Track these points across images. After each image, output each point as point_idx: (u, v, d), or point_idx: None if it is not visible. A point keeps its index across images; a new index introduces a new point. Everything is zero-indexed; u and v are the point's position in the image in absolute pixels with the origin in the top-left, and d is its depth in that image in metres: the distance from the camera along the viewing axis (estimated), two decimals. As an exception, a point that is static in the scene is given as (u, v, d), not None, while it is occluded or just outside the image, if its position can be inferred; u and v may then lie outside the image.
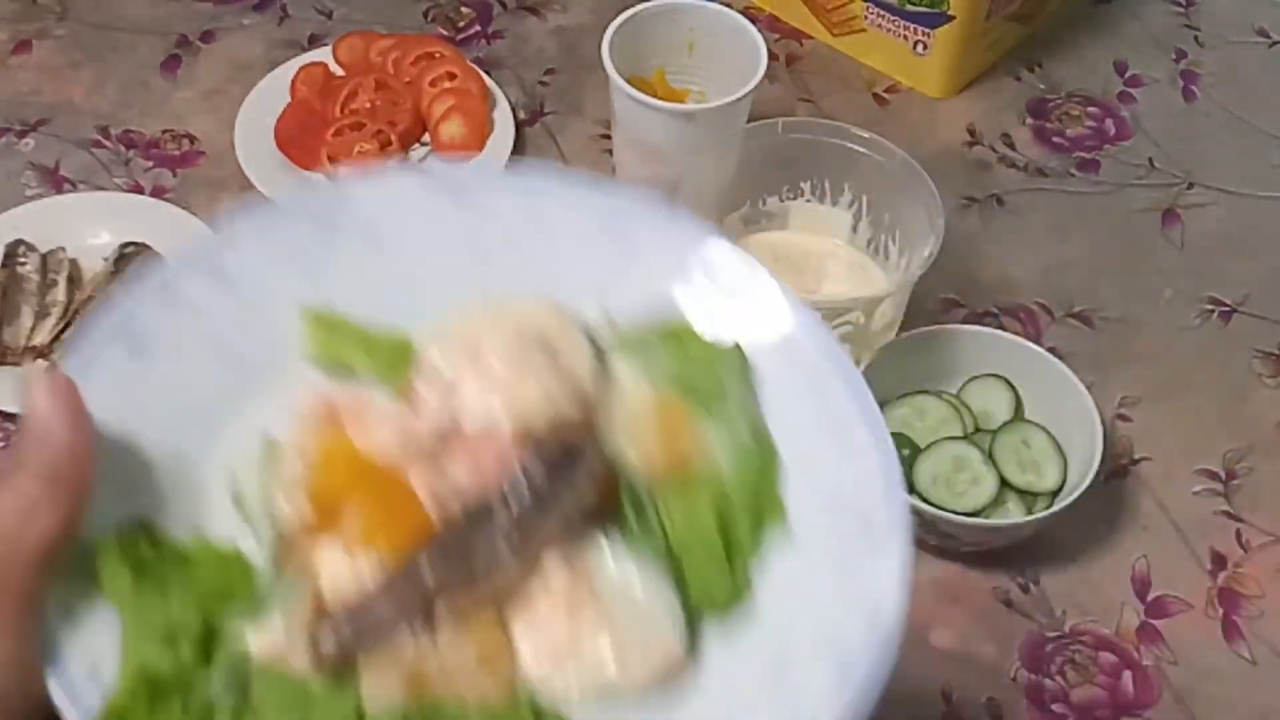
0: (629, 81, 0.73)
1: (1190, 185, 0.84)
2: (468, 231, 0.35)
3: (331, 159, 0.81)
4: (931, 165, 0.71)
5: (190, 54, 0.89)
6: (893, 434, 0.67)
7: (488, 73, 0.85)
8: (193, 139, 0.84)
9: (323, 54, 0.86)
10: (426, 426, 0.33)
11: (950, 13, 0.84)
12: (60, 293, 0.74)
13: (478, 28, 0.91)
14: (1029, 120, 0.87)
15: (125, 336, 0.32)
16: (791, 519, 0.33)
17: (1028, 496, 0.66)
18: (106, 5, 0.91)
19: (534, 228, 0.36)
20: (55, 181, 0.82)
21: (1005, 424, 0.68)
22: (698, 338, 0.35)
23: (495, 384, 0.33)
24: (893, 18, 0.86)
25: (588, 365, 0.34)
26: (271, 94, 0.83)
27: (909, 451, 0.67)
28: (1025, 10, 0.89)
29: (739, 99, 0.73)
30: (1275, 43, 0.93)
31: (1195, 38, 0.93)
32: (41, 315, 0.73)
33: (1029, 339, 0.72)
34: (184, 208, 0.79)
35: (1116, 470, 0.70)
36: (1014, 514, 0.65)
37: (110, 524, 0.30)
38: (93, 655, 0.29)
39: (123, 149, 0.84)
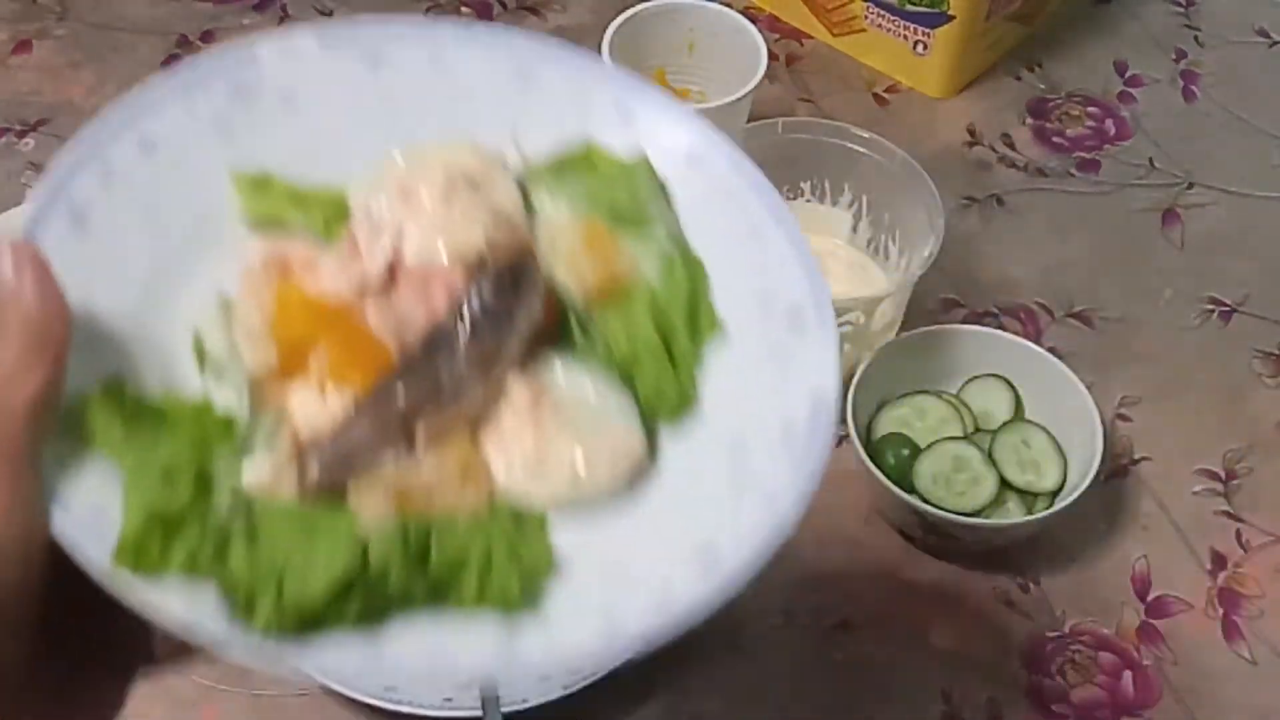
0: (629, 81, 0.73)
1: (1190, 185, 0.84)
2: (380, 85, 0.37)
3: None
4: (931, 165, 0.71)
5: (190, 54, 0.89)
6: (893, 434, 0.68)
7: (488, 73, 0.85)
8: (193, 139, 0.84)
9: (323, 54, 0.86)
10: (372, 268, 0.34)
11: (950, 13, 0.84)
12: (60, 293, 0.74)
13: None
14: (1029, 120, 0.87)
15: (63, 209, 0.33)
16: (725, 322, 0.35)
17: (1028, 496, 0.66)
18: (106, 5, 0.91)
19: (444, 77, 0.37)
20: (55, 181, 0.82)
21: (1005, 424, 0.68)
22: (607, 157, 0.37)
23: (431, 222, 0.34)
24: (893, 18, 0.86)
25: (514, 198, 0.36)
26: (272, 94, 0.83)
27: (909, 451, 0.67)
28: (1025, 10, 0.89)
29: (739, 99, 0.73)
30: (1275, 43, 0.93)
31: (1195, 38, 0.93)
32: (42, 315, 0.73)
33: (1029, 339, 0.72)
34: (184, 208, 0.79)
35: (1116, 470, 0.70)
36: (1014, 514, 0.65)
37: (90, 384, 0.31)
38: (95, 502, 0.29)
39: (123, 149, 0.84)
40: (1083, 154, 0.86)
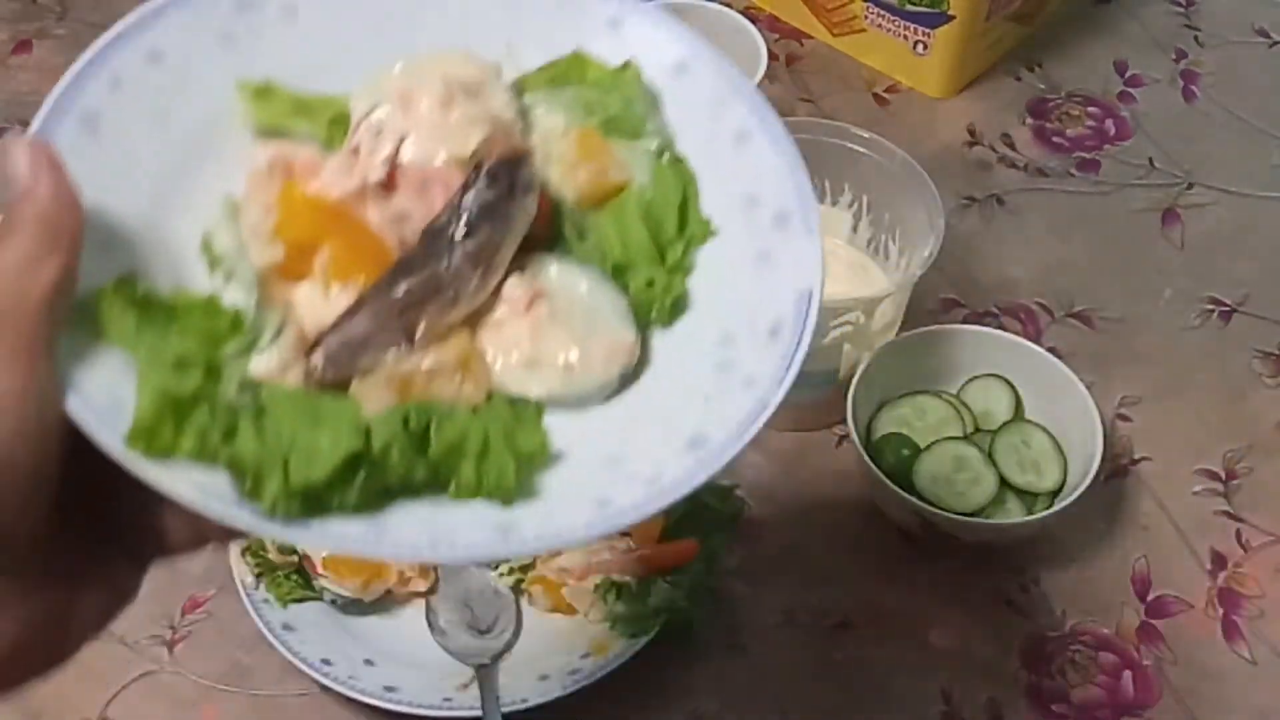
0: (629, 81, 0.73)
1: (1190, 185, 0.84)
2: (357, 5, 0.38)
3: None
4: (931, 165, 0.71)
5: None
6: (893, 434, 0.68)
7: (488, 73, 0.85)
8: (193, 139, 0.84)
9: (323, 54, 0.86)
10: (372, 172, 0.35)
11: (950, 13, 0.84)
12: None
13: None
14: (1029, 120, 0.87)
15: (75, 115, 0.34)
16: (714, 224, 0.37)
17: (1028, 496, 0.66)
18: (106, 5, 0.91)
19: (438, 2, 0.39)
20: (55, 181, 0.82)
21: (1005, 424, 0.68)
22: (599, 67, 0.38)
23: (429, 127, 0.36)
24: (893, 18, 0.86)
25: (509, 105, 0.37)
26: (272, 94, 0.83)
27: (909, 451, 0.67)
28: (1025, 10, 0.89)
29: (739, 99, 0.73)
30: (1275, 43, 0.93)
31: (1195, 38, 0.93)
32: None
33: (1029, 339, 0.72)
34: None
35: (1116, 470, 0.70)
36: (1014, 514, 0.66)
37: (104, 280, 0.32)
38: (109, 388, 0.31)
39: (123, 149, 0.84)
40: (1083, 154, 0.86)
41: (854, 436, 0.65)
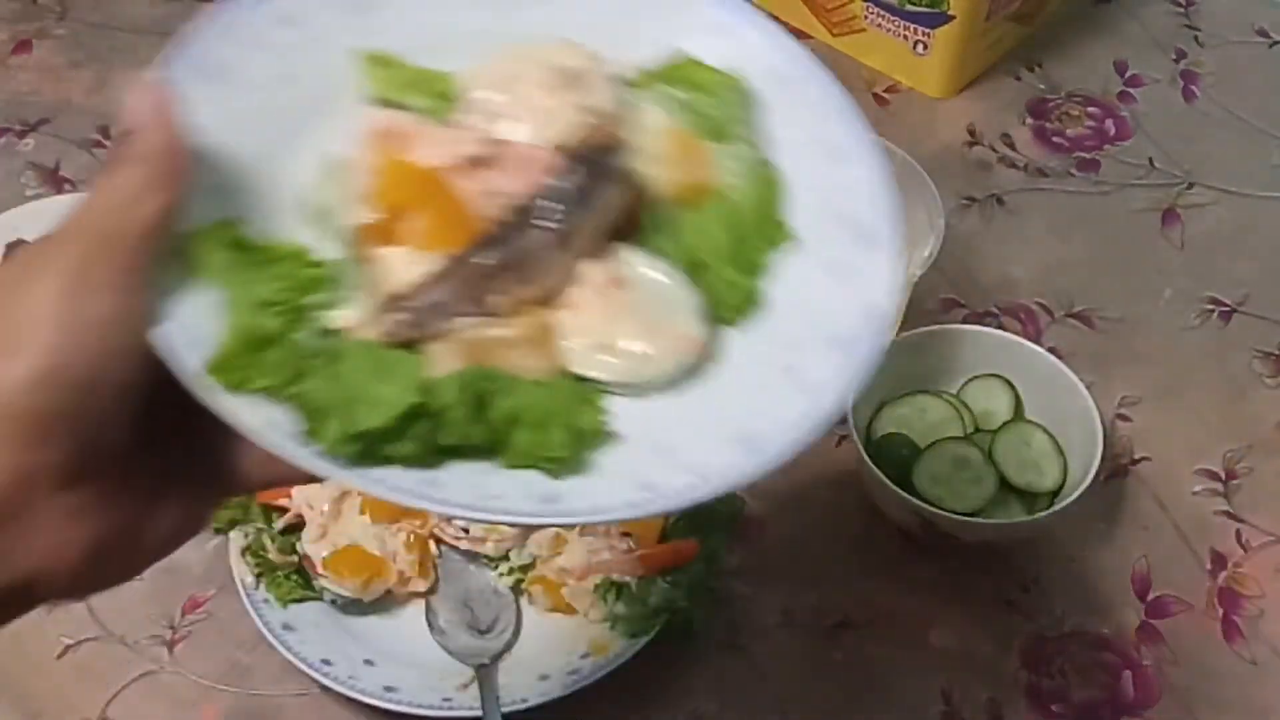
0: (629, 81, 0.73)
1: (1190, 185, 0.84)
2: None
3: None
4: (931, 165, 0.71)
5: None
6: (893, 434, 0.68)
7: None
8: (193, 139, 0.84)
9: (323, 54, 0.86)
10: (475, 145, 0.37)
11: (950, 13, 0.84)
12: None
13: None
14: (1029, 120, 0.87)
15: (203, 65, 0.36)
16: (795, 231, 0.38)
17: (1028, 496, 0.66)
18: (106, 5, 0.92)
19: None
20: (55, 182, 0.82)
21: (1005, 424, 0.68)
22: (704, 70, 0.39)
23: (533, 109, 0.38)
24: (893, 18, 0.86)
25: (610, 97, 0.38)
26: (272, 94, 0.83)
27: (909, 451, 0.67)
28: (1025, 10, 0.89)
29: (739, 99, 0.73)
30: (1275, 43, 0.93)
31: (1195, 38, 0.93)
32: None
33: (1029, 339, 0.72)
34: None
35: (1117, 470, 0.70)
36: (1014, 514, 0.66)
37: (206, 221, 0.34)
38: (195, 321, 0.33)
39: (123, 149, 0.84)
40: (1083, 154, 0.86)
41: (854, 436, 0.65)
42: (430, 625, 0.63)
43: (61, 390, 0.30)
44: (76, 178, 0.82)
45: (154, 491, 0.34)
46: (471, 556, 0.65)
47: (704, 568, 0.63)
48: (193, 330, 0.32)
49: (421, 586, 0.64)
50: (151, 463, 0.33)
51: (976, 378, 0.70)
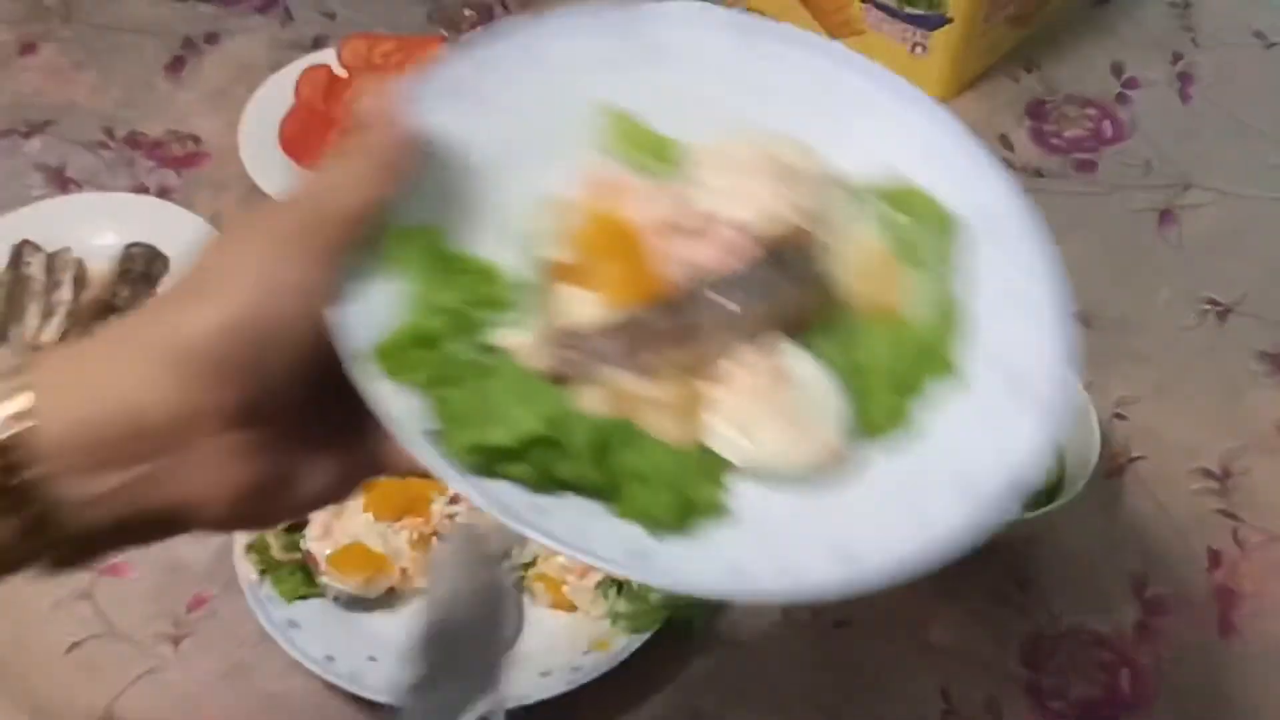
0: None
1: (1187, 186, 0.84)
2: (743, 66, 0.41)
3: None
4: (930, 166, 0.71)
5: (194, 56, 0.89)
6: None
7: (490, 74, 0.85)
8: (197, 140, 0.84)
9: (326, 56, 0.87)
10: (681, 213, 0.39)
11: (948, 15, 0.84)
12: (65, 293, 0.75)
13: (479, 29, 0.91)
14: (1027, 122, 0.88)
15: (455, 83, 0.39)
16: (961, 370, 0.38)
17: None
18: (111, 7, 0.92)
19: (809, 80, 0.41)
20: (61, 182, 0.82)
21: (1003, 423, 0.68)
22: (921, 197, 0.40)
23: (746, 194, 0.39)
24: (891, 20, 0.86)
25: (824, 199, 0.39)
26: (275, 95, 0.84)
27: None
28: (1023, 12, 0.89)
29: (739, 100, 0.73)
30: (1272, 44, 0.93)
31: (1192, 39, 0.93)
32: (47, 316, 0.74)
33: (1027, 339, 0.72)
34: (189, 208, 0.79)
35: (1114, 469, 0.70)
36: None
37: (414, 220, 0.36)
38: (373, 307, 0.34)
39: (127, 150, 0.84)
40: (1080, 155, 0.86)
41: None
42: (433, 622, 0.63)
43: (242, 341, 0.33)
44: (81, 178, 0.82)
45: (308, 452, 0.36)
46: (474, 554, 0.65)
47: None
48: (367, 316, 0.34)
49: (424, 583, 0.64)
50: (310, 426, 0.35)
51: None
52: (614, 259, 0.38)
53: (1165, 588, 0.66)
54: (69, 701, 0.62)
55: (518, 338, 0.36)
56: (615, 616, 0.62)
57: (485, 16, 0.92)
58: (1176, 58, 0.92)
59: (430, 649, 0.32)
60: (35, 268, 0.75)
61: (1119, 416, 0.72)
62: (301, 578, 0.63)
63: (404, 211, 0.35)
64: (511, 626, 0.33)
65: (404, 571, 0.63)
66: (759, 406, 0.36)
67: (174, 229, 0.77)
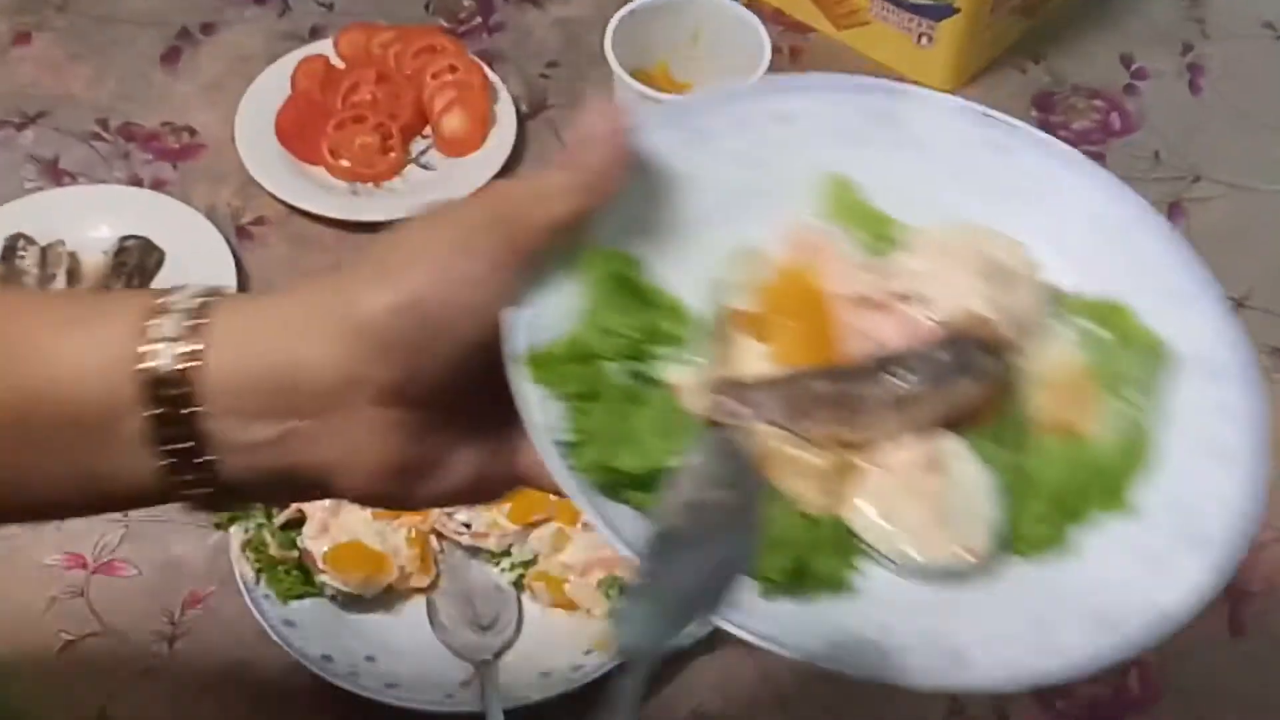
0: (632, 74, 0.73)
1: (1196, 179, 0.84)
2: (977, 159, 0.41)
3: (333, 152, 0.80)
4: (936, 159, 0.70)
5: (191, 46, 0.88)
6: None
7: (489, 65, 0.84)
8: (193, 132, 0.84)
9: (324, 47, 0.86)
10: (875, 288, 0.38)
11: (955, 5, 0.83)
12: (59, 286, 0.74)
13: (479, 20, 0.91)
14: (1034, 113, 0.87)
15: (683, 120, 0.39)
16: (1134, 504, 0.36)
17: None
18: (106, -3, 0.91)
19: (1040, 183, 0.41)
20: (55, 174, 0.81)
21: (1010, 419, 0.68)
22: (1133, 322, 0.39)
23: (949, 282, 0.38)
24: (897, 10, 0.86)
25: (1031, 307, 0.39)
26: (272, 87, 0.83)
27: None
28: (1030, 2, 0.88)
29: (742, 92, 0.73)
30: (1282, 36, 0.93)
31: (1201, 31, 0.92)
32: (41, 309, 0.73)
33: (1034, 334, 0.71)
34: (184, 201, 0.78)
35: (1122, 466, 0.70)
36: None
37: (609, 241, 0.37)
38: (547, 316, 0.35)
39: (122, 142, 0.83)
40: (1088, 147, 0.85)
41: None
42: (432, 621, 0.62)
43: (410, 324, 0.34)
44: (76, 170, 0.82)
45: (452, 445, 0.37)
46: (473, 552, 0.64)
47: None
48: (538, 323, 0.35)
49: (423, 582, 0.63)
50: (459, 420, 0.36)
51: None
52: (796, 318, 0.38)
53: (1173, 586, 0.66)
54: (64, 701, 0.61)
55: (681, 375, 0.36)
56: (616, 616, 0.62)
57: (484, 7, 0.91)
58: (1186, 49, 0.91)
59: (663, 553, 0.32)
60: (29, 261, 0.74)
61: (1127, 413, 0.72)
62: (299, 576, 0.62)
63: (603, 231, 0.36)
64: (749, 548, 0.32)
65: (402, 570, 0.63)
66: (907, 494, 0.36)
67: (169, 222, 0.77)
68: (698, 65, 0.79)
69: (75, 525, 0.66)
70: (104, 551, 0.66)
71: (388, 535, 0.63)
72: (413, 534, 0.63)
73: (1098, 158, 0.84)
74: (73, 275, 0.75)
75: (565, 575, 0.63)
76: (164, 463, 0.35)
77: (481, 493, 0.38)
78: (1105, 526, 0.36)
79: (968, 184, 0.41)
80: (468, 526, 0.64)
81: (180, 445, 0.34)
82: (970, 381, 0.37)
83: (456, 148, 0.82)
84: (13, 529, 0.64)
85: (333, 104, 0.82)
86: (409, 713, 0.59)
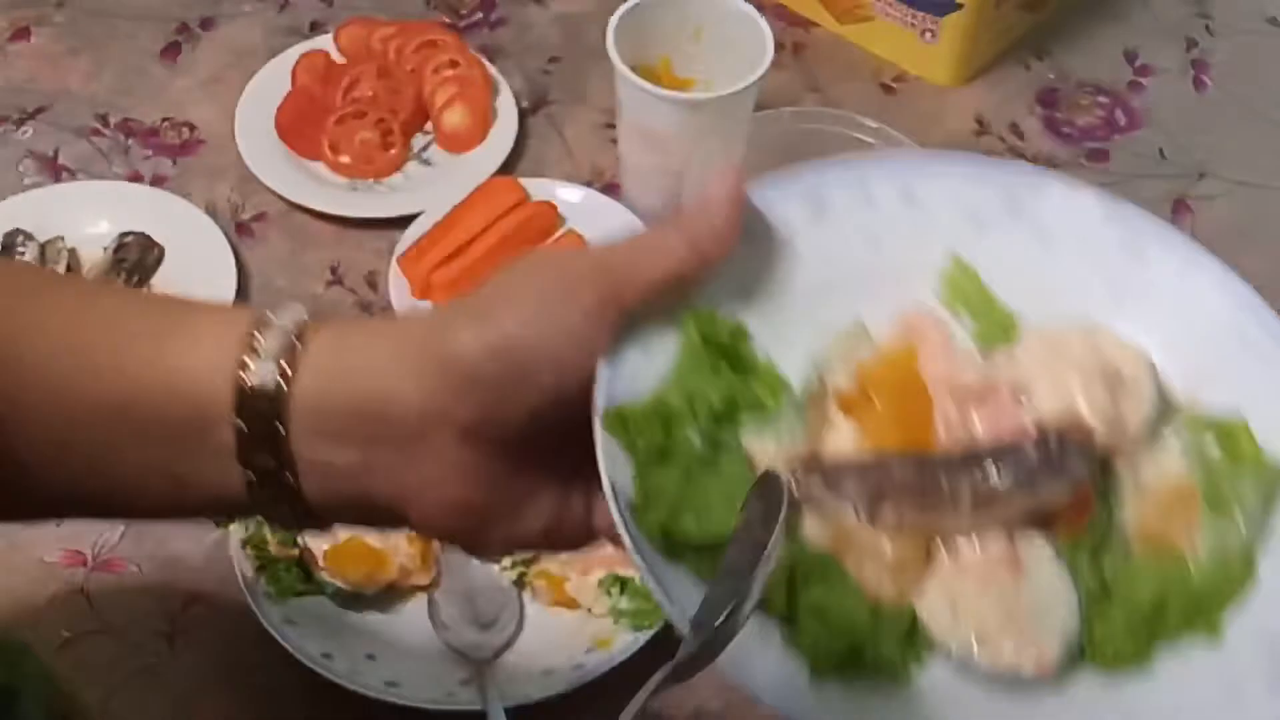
0: (634, 70, 0.73)
1: (1201, 176, 0.83)
2: (1110, 259, 0.40)
3: (333, 148, 0.80)
4: (940, 155, 0.70)
5: (190, 41, 0.88)
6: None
7: (490, 61, 0.84)
8: (192, 127, 0.83)
9: (324, 41, 0.85)
10: (976, 380, 0.37)
11: (959, 0, 0.83)
12: (59, 283, 0.74)
13: (480, 15, 0.90)
14: (1038, 110, 0.86)
15: (809, 191, 0.39)
16: (1222, 638, 0.35)
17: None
18: (105, -8, 0.91)
19: (1173, 291, 0.40)
20: (54, 170, 0.81)
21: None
22: (1250, 442, 0.37)
23: (1056, 381, 0.37)
24: (901, 6, 0.85)
25: (1139, 417, 0.37)
26: (272, 82, 0.83)
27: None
28: (1035, -2, 0.88)
29: (745, 88, 0.72)
30: (1287, 31, 0.92)
31: (1206, 26, 0.92)
32: (40, 305, 0.73)
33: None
34: (183, 196, 0.78)
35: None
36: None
37: (714, 306, 0.37)
38: (637, 373, 0.35)
39: (122, 137, 0.83)
40: (1092, 144, 0.85)
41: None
42: (432, 620, 0.62)
43: (499, 366, 0.34)
44: (74, 166, 0.81)
45: (531, 493, 0.37)
46: (474, 550, 0.64)
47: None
48: (628, 378, 0.35)
49: (423, 580, 0.63)
50: (538, 467, 0.37)
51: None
52: (892, 401, 0.37)
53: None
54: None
55: (763, 445, 0.36)
56: (618, 615, 0.61)
57: (485, 2, 0.91)
58: (1190, 45, 0.90)
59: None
60: (28, 257, 0.74)
61: (1131, 410, 0.71)
62: (299, 574, 0.62)
63: (710, 294, 0.36)
64: (756, 587, 0.32)
65: (403, 569, 0.62)
66: (981, 591, 0.35)
67: (168, 217, 0.76)
68: (700, 61, 0.78)
69: (75, 522, 0.65)
70: (104, 549, 0.66)
71: (388, 533, 0.62)
72: (412, 532, 0.63)
73: (1102, 154, 0.84)
74: (72, 270, 0.75)
75: (566, 574, 0.63)
76: (248, 475, 0.35)
77: (556, 542, 0.38)
78: (1186, 650, 0.35)
79: (1094, 283, 0.39)
80: (468, 524, 0.64)
81: (265, 459, 0.35)
82: (1060, 485, 0.35)
83: (457, 143, 0.81)
84: (13, 527, 0.64)
85: (333, 99, 0.82)
86: (409, 711, 0.59)
